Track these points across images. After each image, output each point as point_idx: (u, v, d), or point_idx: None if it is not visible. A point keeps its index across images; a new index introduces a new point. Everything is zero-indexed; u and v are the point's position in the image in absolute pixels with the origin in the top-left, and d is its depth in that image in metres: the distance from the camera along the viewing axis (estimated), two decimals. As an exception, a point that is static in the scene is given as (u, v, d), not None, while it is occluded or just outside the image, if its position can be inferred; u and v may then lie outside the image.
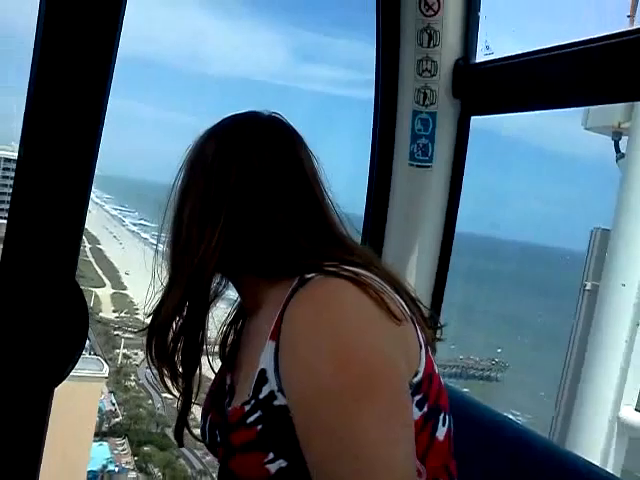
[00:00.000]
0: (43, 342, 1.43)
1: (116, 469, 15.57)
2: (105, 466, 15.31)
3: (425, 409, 0.86)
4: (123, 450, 16.29)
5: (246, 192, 0.93)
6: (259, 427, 0.83)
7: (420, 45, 1.66)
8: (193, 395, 1.00)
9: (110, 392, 16.98)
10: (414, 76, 1.69)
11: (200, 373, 1.01)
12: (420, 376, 0.85)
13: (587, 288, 2.88)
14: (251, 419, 0.84)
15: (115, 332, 19.61)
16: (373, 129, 1.82)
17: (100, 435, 15.75)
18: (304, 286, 0.84)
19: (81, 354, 1.56)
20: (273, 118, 1.02)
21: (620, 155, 2.81)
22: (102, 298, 21.28)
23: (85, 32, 1.23)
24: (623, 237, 2.69)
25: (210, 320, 1.01)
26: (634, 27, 1.36)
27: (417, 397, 0.85)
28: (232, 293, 1.08)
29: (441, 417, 0.89)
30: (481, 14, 1.64)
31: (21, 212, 1.32)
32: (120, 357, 19.12)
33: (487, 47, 1.65)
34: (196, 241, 0.93)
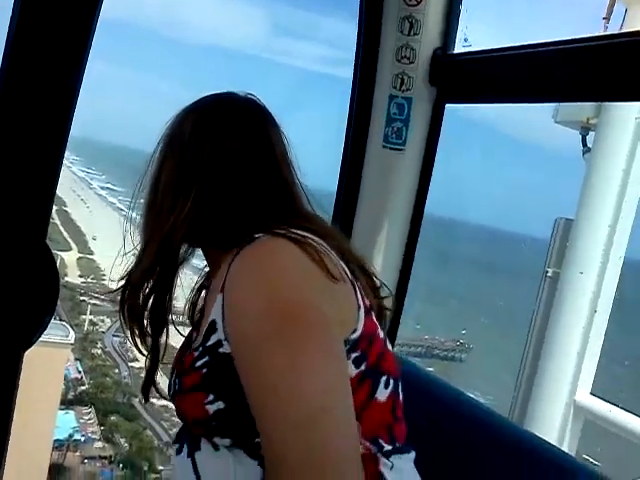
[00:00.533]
0: (13, 305, 1.44)
1: (82, 438, 15.49)
2: (71, 435, 15.20)
3: (362, 367, 0.91)
4: (89, 419, 16.20)
5: (217, 169, 1.00)
6: (204, 370, 0.91)
7: (401, 33, 1.70)
8: (160, 353, 1.07)
9: (76, 359, 16.81)
10: (393, 62, 1.74)
11: (167, 335, 1.08)
12: (358, 333, 0.91)
13: (549, 275, 2.98)
14: (199, 363, 0.91)
15: (81, 298, 19.36)
16: (350, 110, 1.86)
17: (66, 403, 15.61)
18: (249, 245, 0.90)
19: (51, 319, 1.58)
20: (249, 100, 1.09)
21: (586, 149, 2.89)
22: (68, 262, 20.90)
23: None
24: (584, 228, 2.78)
25: (179, 288, 1.08)
26: (607, 32, 1.41)
27: (354, 354, 0.90)
28: (200, 262, 1.15)
29: (382, 379, 0.94)
30: (462, 7, 1.68)
31: None
32: (86, 324, 18.87)
33: (465, 39, 1.70)
34: (168, 210, 1.00)
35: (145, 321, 1.04)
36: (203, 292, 1.15)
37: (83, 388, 16.81)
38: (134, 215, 1.09)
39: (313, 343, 0.83)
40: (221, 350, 0.89)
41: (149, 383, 1.09)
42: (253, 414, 0.83)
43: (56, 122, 1.27)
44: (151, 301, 1.03)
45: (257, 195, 1.00)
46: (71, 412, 15.73)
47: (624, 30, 1.31)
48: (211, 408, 0.89)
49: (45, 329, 1.60)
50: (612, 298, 2.82)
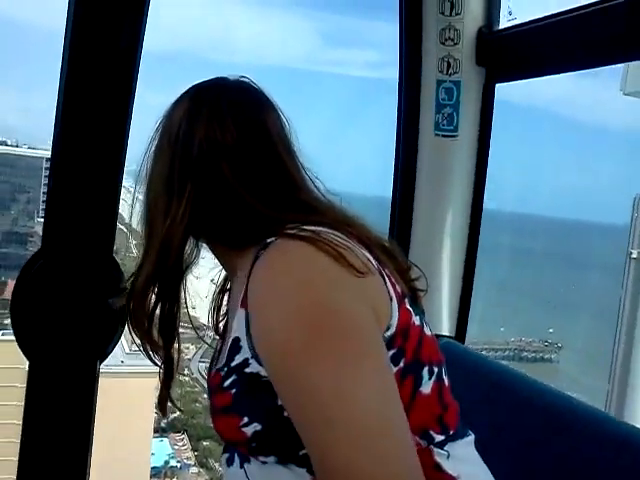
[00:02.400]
0: (86, 317, 1.51)
1: (178, 465, 15.79)
2: (167, 462, 15.53)
3: (401, 364, 0.85)
4: (183, 445, 16.51)
5: (208, 166, 0.93)
6: (233, 391, 0.86)
7: (442, 14, 1.67)
8: (174, 365, 1.03)
9: (166, 387, 17.21)
10: (437, 45, 1.70)
11: (180, 344, 1.04)
12: (393, 330, 0.84)
13: (633, 256, 2.80)
14: (226, 383, 0.86)
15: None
16: (398, 101, 1.84)
17: (160, 431, 16.03)
18: (264, 251, 0.85)
19: (123, 329, 1.63)
20: (240, 82, 1.02)
21: None
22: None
23: (111, 34, 1.32)
24: None
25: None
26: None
27: (391, 352, 0.84)
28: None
29: (425, 370, 0.88)
30: (503, -21, 1.63)
31: (60, 197, 1.44)
32: (175, 351, 19.33)
33: (510, 13, 1.64)
34: (163, 212, 0.94)
35: (155, 332, 0.98)
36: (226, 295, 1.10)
37: (175, 415, 17.22)
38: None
39: (356, 348, 0.78)
40: (248, 370, 0.84)
41: (165, 396, 1.03)
42: (299, 432, 0.78)
43: (114, 150, 1.41)
44: (158, 310, 0.97)
45: (257, 187, 0.93)
46: (165, 439, 16.12)
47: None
48: (248, 431, 0.84)
49: (119, 340, 1.66)
50: None
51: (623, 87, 2.84)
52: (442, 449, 0.89)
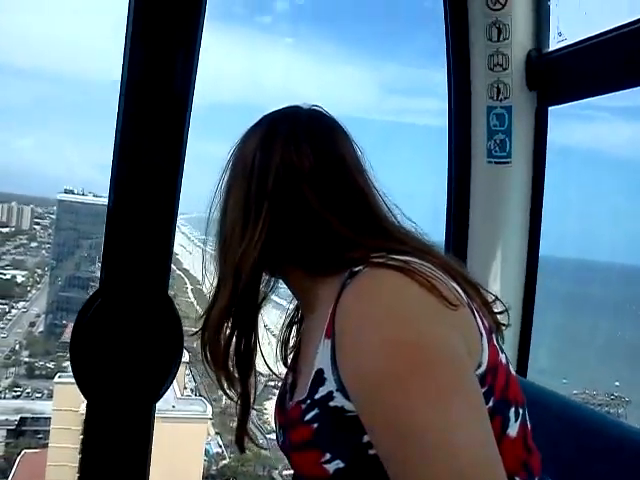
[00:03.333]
0: (140, 358, 1.51)
1: (227, 512, 15.64)
2: (216, 509, 15.42)
3: (491, 404, 0.80)
4: (232, 493, 16.38)
5: (287, 190, 0.92)
6: (315, 425, 0.82)
7: (490, 40, 1.66)
8: (251, 399, 1.00)
9: (217, 434, 17.26)
10: (486, 71, 1.69)
11: (256, 378, 1.00)
12: (484, 368, 0.80)
13: None
14: (308, 417, 0.83)
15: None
16: (449, 129, 1.81)
17: (209, 478, 15.98)
18: (352, 280, 0.82)
19: (177, 370, 1.63)
20: (312, 111, 1.01)
21: None
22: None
23: (164, 81, 1.37)
24: None
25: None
26: None
27: (482, 390, 0.79)
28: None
29: (512, 412, 0.84)
30: (551, 1, 1.61)
31: (117, 240, 1.48)
32: (224, 397, 19.37)
33: (559, 34, 1.62)
34: (238, 241, 0.93)
35: (231, 365, 0.96)
36: (294, 329, 1.07)
37: (225, 462, 17.13)
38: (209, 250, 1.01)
39: (454, 384, 0.74)
40: (332, 404, 0.80)
41: (242, 433, 1.01)
42: (390, 468, 0.74)
43: (167, 194, 1.44)
44: (234, 343, 0.95)
45: (334, 210, 0.91)
46: (215, 487, 15.99)
47: None
48: (330, 467, 0.81)
49: (172, 381, 1.65)
50: None
51: None
52: None
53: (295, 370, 1.00)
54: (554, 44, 1.63)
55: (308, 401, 0.83)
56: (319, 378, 0.82)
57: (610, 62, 1.48)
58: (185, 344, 1.56)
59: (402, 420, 0.72)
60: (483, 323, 0.84)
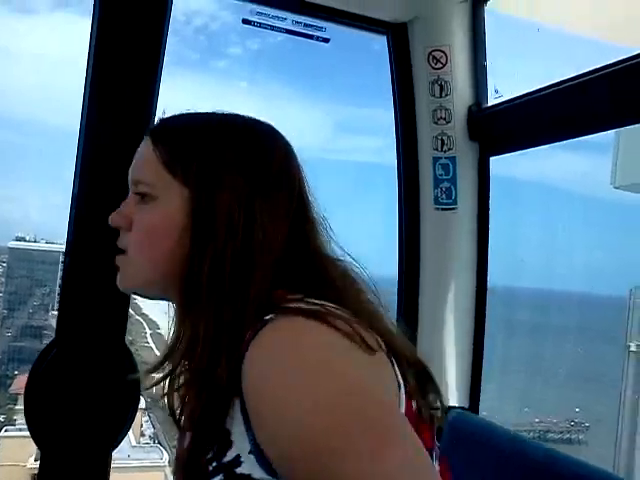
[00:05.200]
0: (97, 406, 1.51)
1: None
2: None
3: None
4: None
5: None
6: None
7: (433, 96, 1.77)
8: None
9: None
10: (430, 124, 1.79)
11: None
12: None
13: (632, 349, 2.76)
14: None
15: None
16: (398, 178, 1.91)
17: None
18: (262, 331, 0.72)
19: (134, 416, 1.63)
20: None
21: None
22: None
23: (121, 133, 1.43)
24: None
25: None
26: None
27: None
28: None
29: None
30: (487, 61, 1.74)
31: (73, 288, 1.49)
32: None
33: (496, 91, 1.74)
34: None
35: None
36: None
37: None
38: None
39: (398, 429, 0.68)
40: (238, 470, 0.72)
41: None
42: None
43: None
44: None
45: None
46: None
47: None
48: None
49: (129, 428, 1.65)
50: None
51: (613, 181, 2.91)
52: None
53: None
54: (491, 100, 1.75)
55: (214, 463, 0.74)
56: (226, 441, 0.74)
57: (542, 117, 1.60)
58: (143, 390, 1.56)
59: (345, 473, 0.63)
60: (402, 374, 0.77)
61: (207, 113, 0.90)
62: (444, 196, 1.82)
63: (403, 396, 0.75)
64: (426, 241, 1.90)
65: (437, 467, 0.82)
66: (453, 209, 1.82)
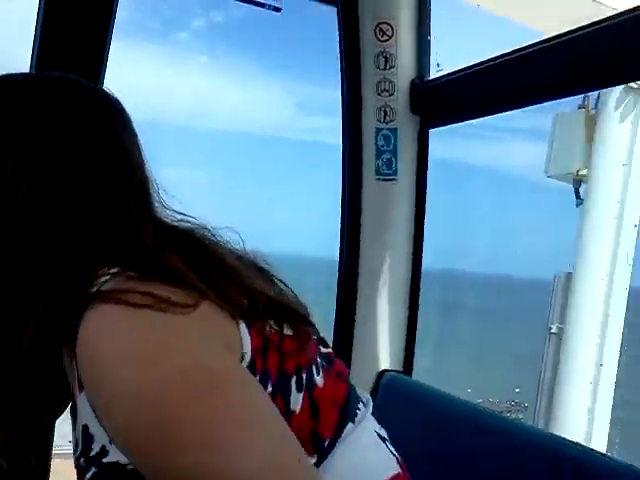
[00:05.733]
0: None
1: None
2: None
3: (270, 388, 0.75)
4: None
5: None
6: None
7: (378, 68, 1.82)
8: None
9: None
10: (374, 96, 1.85)
11: None
12: (249, 356, 0.74)
13: (552, 331, 2.92)
14: (89, 476, 0.74)
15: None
16: (342, 148, 1.96)
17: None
18: (80, 323, 0.71)
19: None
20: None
21: (580, 201, 2.89)
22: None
23: None
24: (583, 280, 2.78)
25: None
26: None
27: (256, 379, 0.74)
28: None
29: (292, 383, 0.78)
30: (431, 36, 1.81)
31: None
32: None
33: (437, 65, 1.81)
34: None
35: None
36: None
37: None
38: None
39: (228, 395, 0.69)
40: (106, 460, 0.71)
41: None
42: None
43: None
44: None
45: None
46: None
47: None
48: None
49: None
50: (618, 350, 2.78)
51: (547, 169, 3.02)
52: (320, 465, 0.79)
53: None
54: (434, 73, 1.82)
55: (82, 458, 0.74)
56: (87, 435, 0.73)
57: (481, 90, 1.69)
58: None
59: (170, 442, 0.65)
60: (239, 307, 0.76)
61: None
62: (385, 167, 1.89)
63: (244, 329, 0.75)
64: (367, 211, 1.96)
65: (323, 379, 0.83)
66: (393, 180, 1.89)
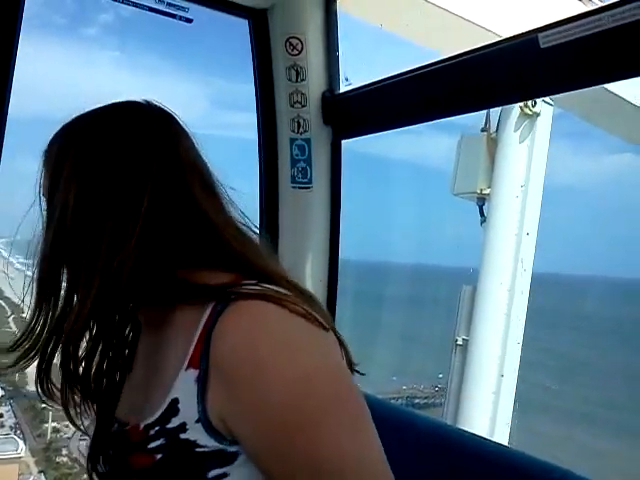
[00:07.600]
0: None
1: None
2: None
3: None
4: (54, 536, 15.09)
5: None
6: (158, 456, 0.77)
7: (290, 80, 1.89)
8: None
9: (40, 472, 15.89)
10: (287, 107, 1.91)
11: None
12: None
13: (458, 343, 3.06)
14: (152, 445, 0.77)
15: (42, 405, 18.53)
16: (259, 158, 2.01)
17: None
18: (226, 311, 0.76)
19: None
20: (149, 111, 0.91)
21: (483, 219, 3.03)
22: (27, 371, 20.08)
23: None
24: (486, 294, 2.97)
25: None
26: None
27: None
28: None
29: None
30: (339, 52, 1.89)
31: None
32: (49, 431, 17.95)
33: (346, 79, 1.90)
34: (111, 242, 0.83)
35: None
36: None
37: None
38: None
39: (361, 409, 0.77)
40: (183, 436, 0.76)
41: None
42: None
43: None
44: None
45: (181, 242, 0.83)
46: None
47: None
48: None
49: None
50: (518, 360, 2.96)
51: (452, 188, 3.11)
52: None
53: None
54: (343, 87, 1.90)
55: (157, 428, 0.78)
56: (173, 408, 0.77)
57: (386, 105, 1.78)
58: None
59: (320, 456, 0.73)
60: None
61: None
62: (300, 175, 1.96)
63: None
64: (284, 218, 2.03)
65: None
66: (308, 188, 1.96)
